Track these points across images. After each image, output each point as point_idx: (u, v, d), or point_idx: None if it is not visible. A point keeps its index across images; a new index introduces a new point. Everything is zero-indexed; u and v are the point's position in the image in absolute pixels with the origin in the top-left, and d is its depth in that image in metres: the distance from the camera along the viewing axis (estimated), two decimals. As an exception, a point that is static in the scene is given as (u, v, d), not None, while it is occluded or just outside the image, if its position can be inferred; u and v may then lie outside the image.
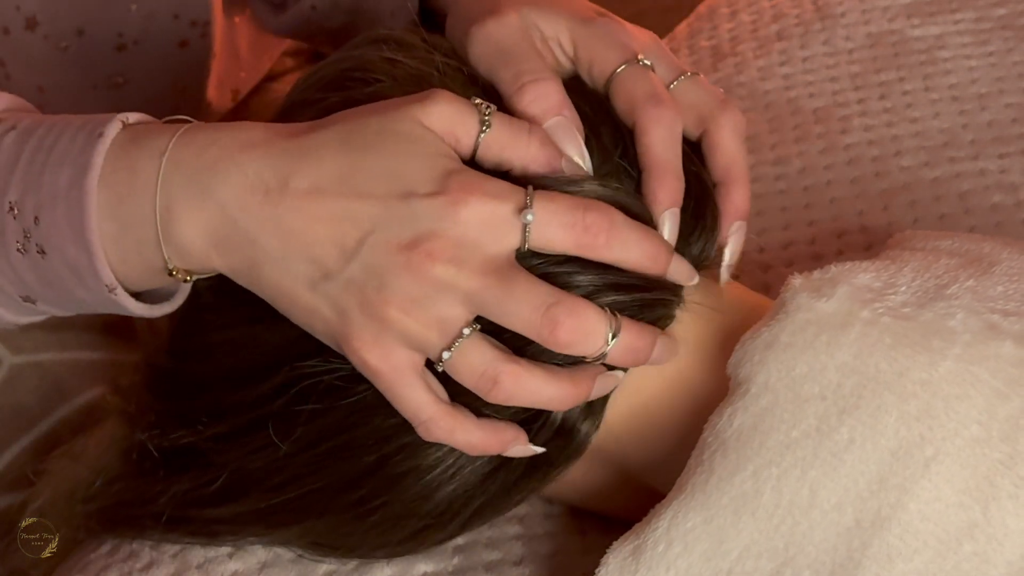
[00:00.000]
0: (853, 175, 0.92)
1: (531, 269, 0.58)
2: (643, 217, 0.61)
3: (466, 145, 0.59)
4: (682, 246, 0.63)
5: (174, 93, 1.03)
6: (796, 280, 0.61)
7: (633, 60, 0.64)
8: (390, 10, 0.79)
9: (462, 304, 0.56)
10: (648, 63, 0.64)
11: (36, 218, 0.61)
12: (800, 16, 1.05)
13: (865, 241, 0.87)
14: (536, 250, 0.57)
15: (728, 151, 0.64)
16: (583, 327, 0.56)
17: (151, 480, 0.67)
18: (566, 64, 0.66)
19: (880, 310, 0.59)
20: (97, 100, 0.96)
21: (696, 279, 0.62)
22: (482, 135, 0.59)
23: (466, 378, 0.57)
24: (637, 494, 0.66)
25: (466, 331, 0.57)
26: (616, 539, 0.61)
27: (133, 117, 0.62)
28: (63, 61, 0.96)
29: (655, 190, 0.61)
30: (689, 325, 0.64)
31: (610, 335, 0.58)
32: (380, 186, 0.56)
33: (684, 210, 0.62)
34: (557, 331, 0.56)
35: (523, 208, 0.56)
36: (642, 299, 0.61)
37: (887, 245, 0.70)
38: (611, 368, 0.61)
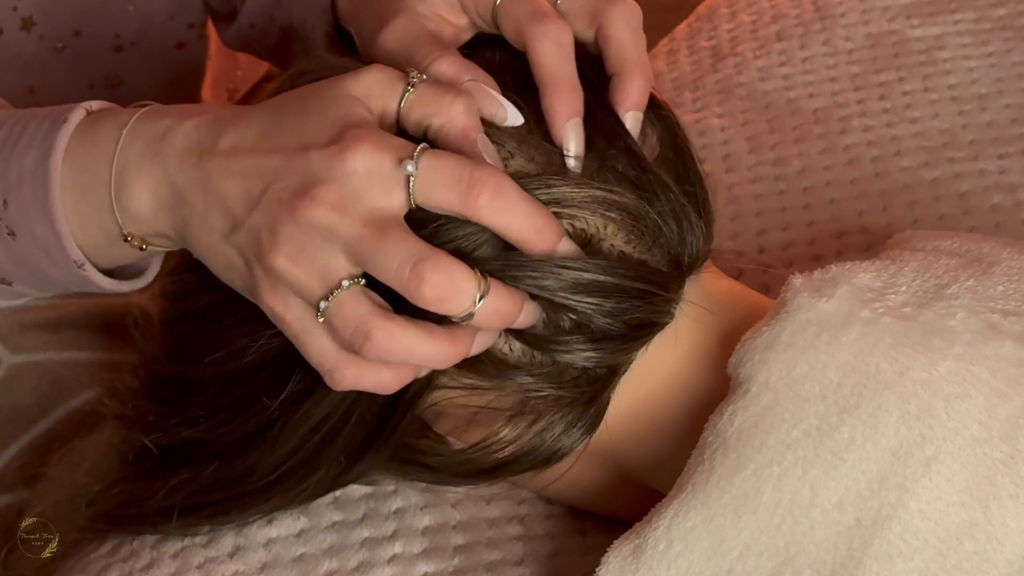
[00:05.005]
0: (853, 175, 0.92)
1: (509, 263, 0.58)
2: (645, 217, 0.61)
3: (391, 109, 0.59)
4: (675, 244, 0.62)
5: (170, 93, 1.04)
6: (797, 280, 0.61)
7: None
8: (311, 25, 0.80)
9: (342, 254, 0.56)
10: None
11: (5, 202, 0.63)
12: (800, 16, 1.05)
13: (865, 241, 0.87)
14: (423, 207, 0.57)
15: (619, 41, 0.63)
16: (450, 284, 0.55)
17: (151, 478, 0.67)
18: (465, 24, 0.66)
19: (880, 310, 0.59)
20: (95, 100, 0.97)
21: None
22: (406, 96, 0.59)
23: (342, 331, 0.56)
24: (637, 494, 0.66)
25: (345, 283, 0.56)
26: (617, 539, 0.61)
27: (96, 105, 0.64)
28: (59, 62, 0.96)
29: (552, 104, 0.61)
30: (688, 325, 0.64)
31: (478, 296, 0.56)
32: (287, 141, 0.57)
33: (669, 201, 0.62)
34: (423, 286, 0.55)
35: (406, 160, 0.56)
36: (636, 294, 0.61)
37: (887, 245, 0.70)
38: None
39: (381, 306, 0.57)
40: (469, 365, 0.60)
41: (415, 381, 0.61)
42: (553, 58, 0.61)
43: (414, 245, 0.56)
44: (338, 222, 0.55)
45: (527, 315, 0.59)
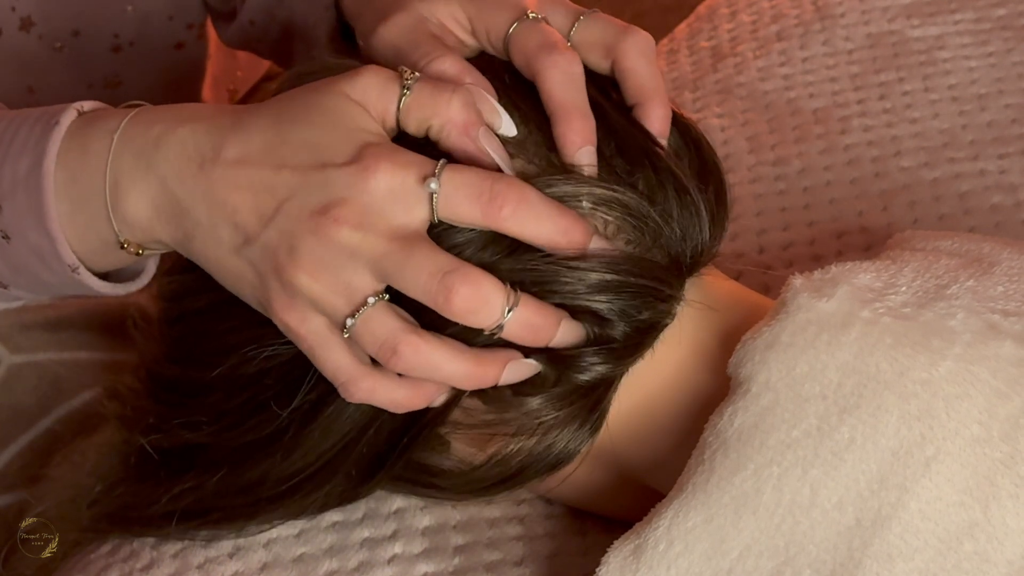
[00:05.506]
0: (853, 175, 0.92)
1: (520, 268, 0.58)
2: (647, 216, 0.61)
3: (391, 113, 0.59)
4: (676, 244, 0.62)
5: (169, 93, 1.04)
6: (797, 280, 0.61)
7: (524, 17, 0.64)
8: (314, 22, 0.80)
9: (368, 271, 0.56)
10: (539, 16, 0.64)
11: (0, 207, 0.63)
12: (800, 16, 1.05)
13: (865, 242, 0.87)
14: (445, 221, 0.57)
15: (636, 72, 0.64)
16: (478, 295, 0.56)
17: (153, 482, 0.67)
18: (471, 42, 0.66)
19: (880, 310, 0.59)
20: (92, 100, 0.97)
21: None
22: (403, 99, 0.59)
23: (368, 346, 0.57)
24: (637, 495, 0.66)
25: (371, 300, 0.57)
26: (617, 539, 0.61)
27: (88, 105, 0.64)
28: (58, 62, 0.96)
29: (564, 132, 0.61)
30: (689, 325, 0.64)
31: (507, 308, 0.57)
32: (300, 157, 0.57)
33: (681, 203, 0.62)
34: (452, 298, 0.55)
35: (428, 177, 0.56)
36: (640, 291, 0.60)
37: (887, 245, 0.70)
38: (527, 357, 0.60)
39: (408, 321, 0.57)
40: (480, 393, 0.61)
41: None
42: (562, 87, 0.62)
43: (441, 258, 0.56)
44: (362, 240, 0.56)
45: (568, 331, 0.59)
